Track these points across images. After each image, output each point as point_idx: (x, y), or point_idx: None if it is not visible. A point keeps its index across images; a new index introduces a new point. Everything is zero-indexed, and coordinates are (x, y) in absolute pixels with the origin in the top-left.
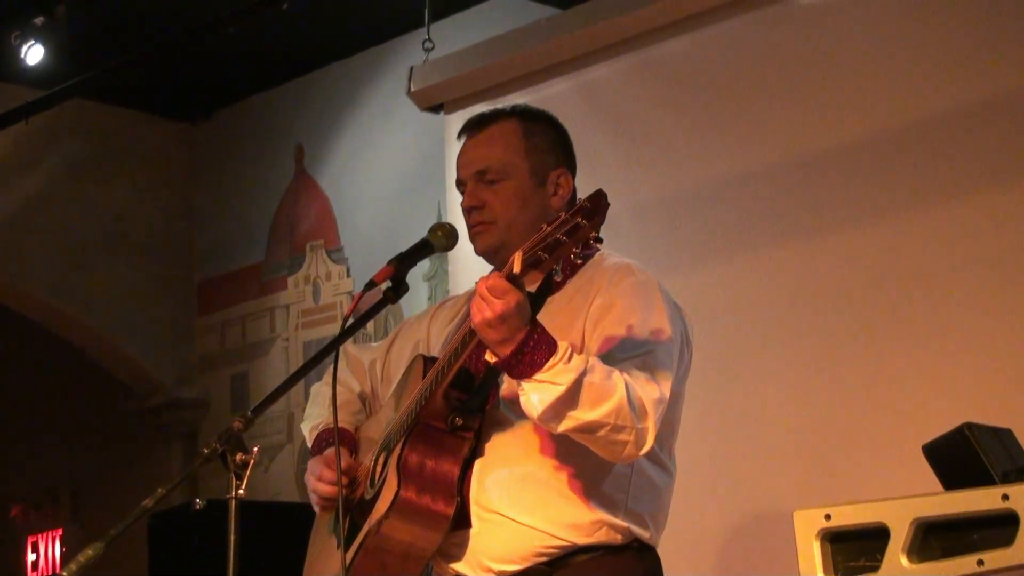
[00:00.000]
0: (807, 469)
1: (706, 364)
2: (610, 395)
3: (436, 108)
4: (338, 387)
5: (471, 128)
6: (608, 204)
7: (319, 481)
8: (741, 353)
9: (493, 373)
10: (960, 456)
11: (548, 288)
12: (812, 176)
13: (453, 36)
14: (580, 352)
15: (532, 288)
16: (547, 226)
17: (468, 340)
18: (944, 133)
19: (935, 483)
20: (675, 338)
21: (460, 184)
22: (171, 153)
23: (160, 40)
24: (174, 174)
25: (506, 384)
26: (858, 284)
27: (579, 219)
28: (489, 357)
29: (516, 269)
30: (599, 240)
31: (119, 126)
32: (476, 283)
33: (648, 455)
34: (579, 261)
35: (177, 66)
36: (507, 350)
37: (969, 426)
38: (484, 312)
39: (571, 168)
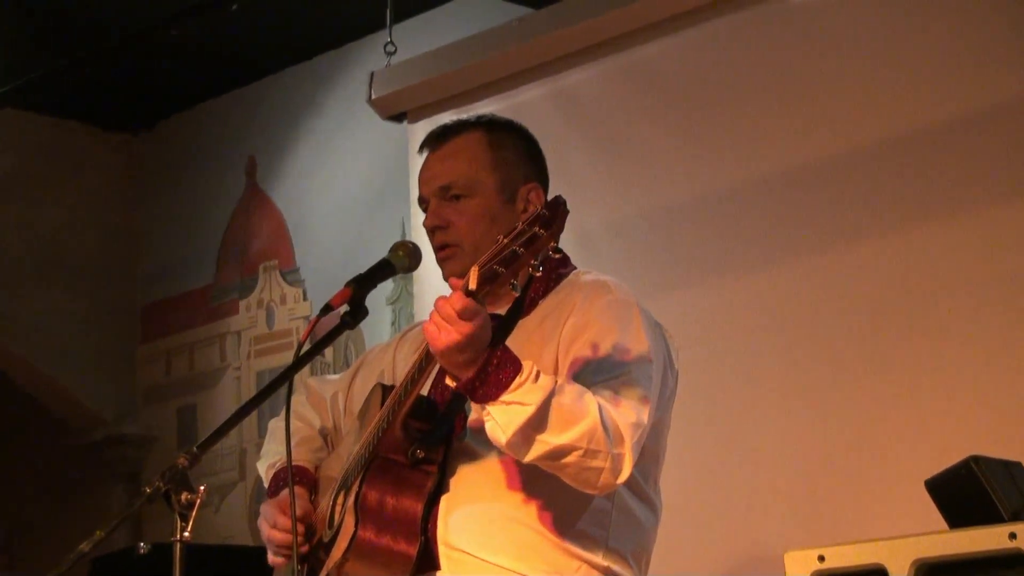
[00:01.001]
0: (801, 505)
1: (693, 393)
2: (582, 417)
3: (399, 117)
4: (297, 423)
5: (433, 141)
6: (567, 211)
7: (273, 528)
8: (731, 381)
9: (458, 400)
10: (966, 492)
11: (519, 310)
12: (806, 190)
13: (417, 38)
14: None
15: (502, 311)
16: (503, 238)
17: (425, 365)
18: (950, 142)
19: (940, 521)
20: (655, 360)
21: (422, 202)
22: (110, 167)
23: (98, 44)
24: (114, 190)
25: (473, 412)
26: (856, 307)
27: (536, 228)
28: (449, 382)
29: (472, 285)
30: (558, 251)
31: (53, 138)
32: (436, 302)
33: (631, 488)
34: (538, 273)
35: (116, 72)
36: (470, 372)
37: (976, 459)
38: (450, 336)
39: (543, 183)
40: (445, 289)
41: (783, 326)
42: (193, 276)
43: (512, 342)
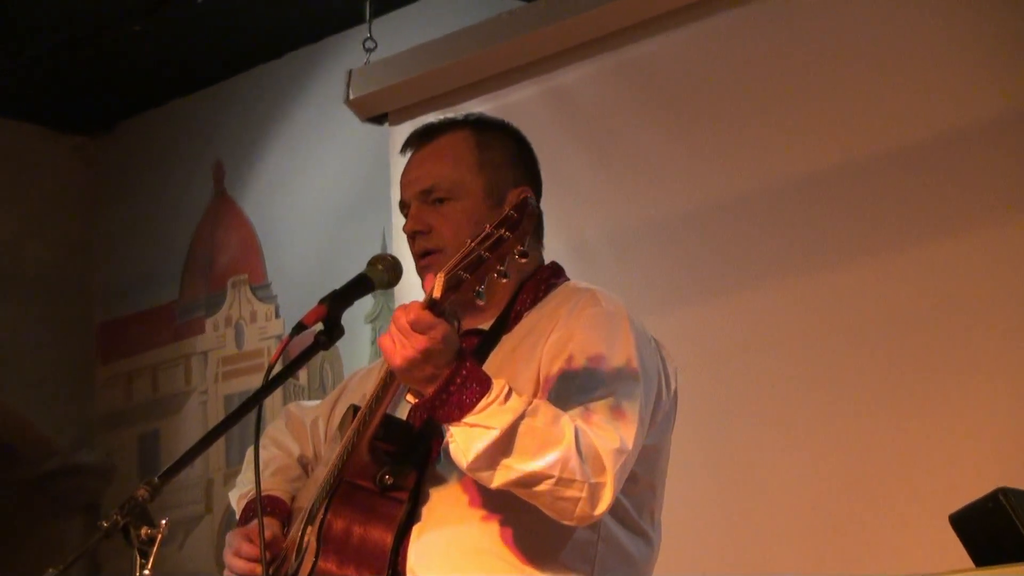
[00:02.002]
0: (814, 541)
1: (698, 417)
2: (555, 443)
3: (379, 119)
4: (274, 450)
5: (416, 140)
6: (536, 212)
7: (236, 557)
8: (740, 405)
9: (435, 423)
10: (993, 526)
11: (503, 325)
12: (821, 198)
13: (399, 34)
14: (536, 395)
15: (486, 325)
16: (471, 241)
17: (389, 382)
18: (978, 147)
19: (964, 558)
20: (645, 378)
21: (403, 207)
22: (65, 172)
23: (52, 39)
24: (69, 197)
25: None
26: (876, 326)
27: (502, 231)
28: (410, 398)
29: (436, 294)
30: (524, 255)
31: (2, 141)
32: (394, 312)
33: (620, 519)
34: (504, 280)
35: (72, 70)
36: (430, 389)
37: (1004, 491)
38: (405, 350)
39: (534, 186)
40: None
41: (796, 347)
42: (156, 292)
43: (494, 359)
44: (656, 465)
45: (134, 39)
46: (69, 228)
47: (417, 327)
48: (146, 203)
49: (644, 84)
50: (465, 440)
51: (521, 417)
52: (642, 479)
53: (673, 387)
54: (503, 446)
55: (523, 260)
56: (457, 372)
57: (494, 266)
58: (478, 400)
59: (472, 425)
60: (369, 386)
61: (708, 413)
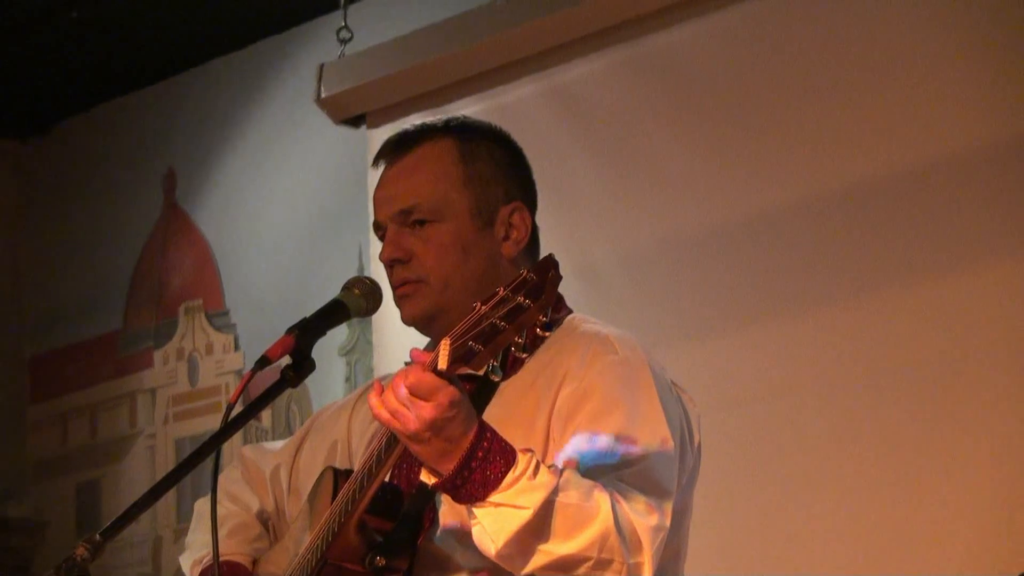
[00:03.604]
0: None
1: (722, 468)
2: (591, 519)
3: (356, 120)
4: (230, 505)
5: (390, 152)
6: (559, 276)
7: None
8: (771, 449)
9: (426, 491)
10: None
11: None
12: (866, 213)
13: (378, 23)
14: (545, 457)
15: (480, 371)
16: (482, 305)
17: (386, 453)
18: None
19: None
20: (675, 437)
21: (378, 229)
22: None
23: None
24: None
25: (446, 505)
26: (930, 360)
27: (520, 298)
28: (425, 477)
29: (442, 364)
30: (547, 328)
31: None
32: (393, 379)
33: None
34: (523, 355)
35: (0, 64)
36: (448, 466)
37: None
38: (407, 424)
39: (528, 201)
40: (412, 337)
41: (831, 384)
42: (96, 320)
43: (494, 410)
44: (681, 528)
45: (72, 27)
46: None
47: (417, 392)
48: (85, 217)
49: (660, 82)
50: (493, 523)
51: (554, 492)
52: (668, 545)
53: (697, 440)
54: (536, 528)
55: (545, 334)
56: (478, 444)
57: (511, 338)
58: (504, 475)
59: (499, 505)
60: (341, 431)
61: (731, 461)
